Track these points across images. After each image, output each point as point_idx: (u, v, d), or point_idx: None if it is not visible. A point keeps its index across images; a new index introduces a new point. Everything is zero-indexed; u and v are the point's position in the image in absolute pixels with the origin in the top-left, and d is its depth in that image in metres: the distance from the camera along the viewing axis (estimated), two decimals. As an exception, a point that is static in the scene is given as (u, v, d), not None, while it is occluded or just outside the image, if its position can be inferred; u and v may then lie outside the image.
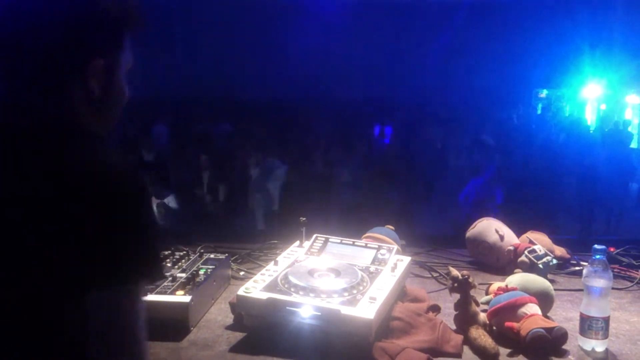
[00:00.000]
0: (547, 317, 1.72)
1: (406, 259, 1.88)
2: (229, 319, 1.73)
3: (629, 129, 12.08)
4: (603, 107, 15.21)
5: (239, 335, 1.64)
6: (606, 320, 1.57)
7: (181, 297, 1.64)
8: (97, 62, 1.01)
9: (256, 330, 1.63)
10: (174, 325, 1.62)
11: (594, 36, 13.15)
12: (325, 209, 3.91)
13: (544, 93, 16.68)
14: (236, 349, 1.57)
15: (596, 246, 1.58)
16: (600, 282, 1.56)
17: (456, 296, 1.68)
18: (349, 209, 4.26)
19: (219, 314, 1.78)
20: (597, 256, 1.58)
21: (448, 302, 1.76)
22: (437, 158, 7.47)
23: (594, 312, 1.57)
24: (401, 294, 1.80)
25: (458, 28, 15.40)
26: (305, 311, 1.55)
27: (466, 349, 1.58)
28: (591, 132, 11.55)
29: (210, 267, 1.87)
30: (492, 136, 8.60)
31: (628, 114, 14.20)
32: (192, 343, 1.60)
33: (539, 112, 14.88)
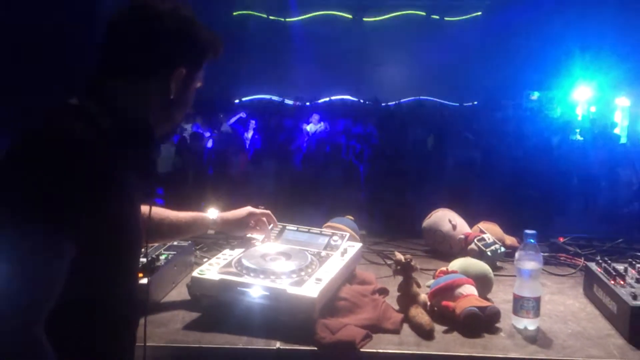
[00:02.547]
0: (487, 299, 1.83)
1: (357, 245, 1.98)
2: (187, 301, 1.83)
3: (616, 130, 12.21)
4: (593, 109, 15.32)
5: (194, 315, 1.74)
6: (537, 300, 1.67)
7: (139, 279, 1.74)
8: (181, 70, 1.29)
9: (210, 310, 1.73)
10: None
11: (584, 39, 13.30)
12: (300, 203, 4.01)
13: (535, 95, 16.80)
14: (189, 326, 1.68)
15: (527, 231, 1.68)
16: (530, 265, 1.67)
17: (400, 278, 1.79)
18: (326, 204, 4.38)
19: (178, 296, 1.88)
20: (530, 240, 1.69)
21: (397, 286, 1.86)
22: (427, 157, 7.57)
23: (525, 293, 1.67)
24: (350, 277, 1.90)
25: (452, 30, 15.58)
26: (255, 291, 1.65)
27: (406, 326, 1.68)
28: (581, 133, 11.69)
29: (172, 252, 1.97)
30: (483, 137, 8.73)
31: (617, 116, 14.31)
32: (148, 322, 1.67)
33: (530, 113, 15.00)
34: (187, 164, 6.87)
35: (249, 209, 1.97)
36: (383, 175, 5.17)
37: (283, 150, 6.66)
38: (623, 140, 11.36)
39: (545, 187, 6.30)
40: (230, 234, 2.02)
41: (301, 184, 5.43)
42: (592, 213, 5.75)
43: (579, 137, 11.29)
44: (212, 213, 1.92)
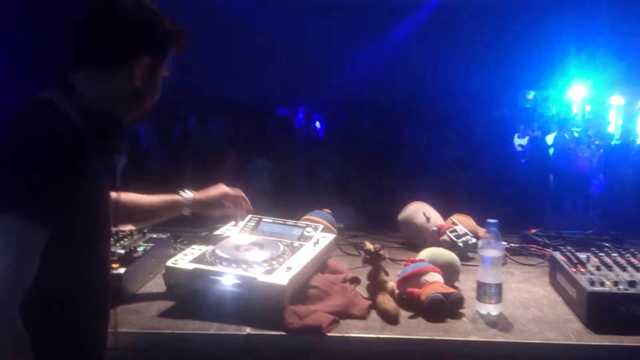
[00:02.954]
0: (454, 287, 1.89)
1: (330, 236, 2.05)
2: (164, 291, 1.88)
3: (609, 129, 12.29)
4: (588, 108, 15.40)
5: (169, 304, 1.80)
6: (499, 286, 1.73)
7: (116, 269, 1.80)
8: (146, 58, 1.34)
9: (184, 299, 1.79)
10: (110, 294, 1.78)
11: (579, 38, 13.39)
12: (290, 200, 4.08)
13: (531, 94, 16.88)
14: (164, 314, 1.74)
15: (489, 220, 1.75)
16: (492, 253, 1.73)
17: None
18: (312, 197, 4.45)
19: (155, 287, 1.94)
20: (492, 229, 1.75)
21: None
22: (420, 155, 7.61)
23: (488, 279, 1.73)
24: (322, 267, 1.96)
25: (446, 30, 15.67)
26: (227, 280, 1.72)
27: (373, 312, 1.75)
28: (577, 133, 11.75)
29: (150, 244, 2.03)
30: (470, 136, 8.78)
31: (612, 115, 14.41)
32: (124, 310, 1.75)
33: (525, 113, 15.07)
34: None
35: (222, 189, 2.01)
36: (370, 171, 5.25)
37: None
38: (616, 137, 11.43)
39: (532, 184, 6.39)
40: (204, 214, 2.04)
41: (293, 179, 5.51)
42: (578, 210, 5.83)
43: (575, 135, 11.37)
44: (186, 194, 1.94)
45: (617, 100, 14.50)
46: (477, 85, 15.02)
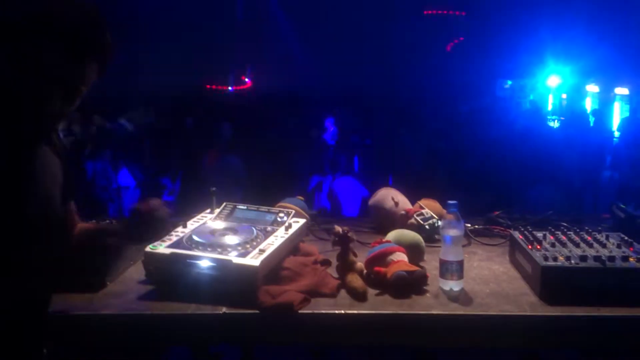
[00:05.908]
0: (419, 266, 2.00)
1: (301, 221, 2.15)
2: (143, 276, 1.97)
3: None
4: (564, 96, 15.63)
5: (149, 288, 1.89)
6: (460, 263, 1.84)
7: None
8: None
9: (163, 282, 1.88)
10: (92, 279, 1.86)
11: (556, 28, 13.57)
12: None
13: (508, 84, 17.08)
14: (143, 297, 1.83)
15: (449, 202, 1.86)
16: (452, 232, 1.84)
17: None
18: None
19: (136, 272, 2.02)
20: (452, 210, 1.86)
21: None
22: (400, 148, 7.73)
23: (449, 257, 1.84)
24: (294, 250, 2.06)
25: (424, 20, 15.81)
26: (203, 263, 1.81)
27: (343, 291, 1.85)
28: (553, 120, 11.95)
29: (130, 233, 2.11)
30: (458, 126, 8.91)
31: (588, 102, 14.66)
32: (105, 294, 1.85)
33: (503, 102, 15.25)
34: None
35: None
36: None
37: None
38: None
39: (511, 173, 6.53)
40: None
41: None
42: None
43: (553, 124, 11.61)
44: None
45: (592, 88, 14.76)
46: (456, 76, 15.21)
